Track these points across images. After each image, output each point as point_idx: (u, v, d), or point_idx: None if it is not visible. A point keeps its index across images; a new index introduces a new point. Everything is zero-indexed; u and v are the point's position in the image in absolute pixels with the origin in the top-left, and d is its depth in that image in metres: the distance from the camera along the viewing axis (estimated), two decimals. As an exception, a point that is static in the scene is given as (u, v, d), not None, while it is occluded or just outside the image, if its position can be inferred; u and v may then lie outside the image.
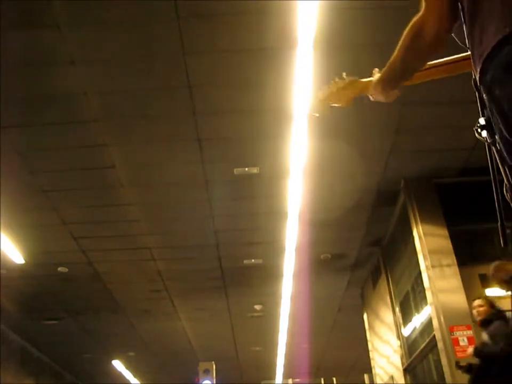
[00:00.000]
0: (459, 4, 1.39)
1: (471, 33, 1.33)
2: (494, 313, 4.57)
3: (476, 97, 1.39)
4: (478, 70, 1.28)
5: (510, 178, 1.27)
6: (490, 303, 4.70)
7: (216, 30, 4.50)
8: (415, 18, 1.47)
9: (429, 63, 1.63)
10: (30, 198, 6.57)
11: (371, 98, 1.83)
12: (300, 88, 5.03)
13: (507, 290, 4.49)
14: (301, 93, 5.08)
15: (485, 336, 4.67)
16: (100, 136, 5.59)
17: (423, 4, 1.45)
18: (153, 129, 5.60)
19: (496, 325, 4.48)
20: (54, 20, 4.27)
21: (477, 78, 1.31)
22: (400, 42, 1.53)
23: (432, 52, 1.51)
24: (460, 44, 1.50)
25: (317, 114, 1.95)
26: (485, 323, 4.68)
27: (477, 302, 4.80)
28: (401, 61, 1.55)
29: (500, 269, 4.51)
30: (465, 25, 1.36)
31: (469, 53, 1.38)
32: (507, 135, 1.21)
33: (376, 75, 1.75)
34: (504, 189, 1.30)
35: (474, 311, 4.80)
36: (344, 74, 1.89)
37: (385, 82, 1.68)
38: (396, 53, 1.56)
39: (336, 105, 1.93)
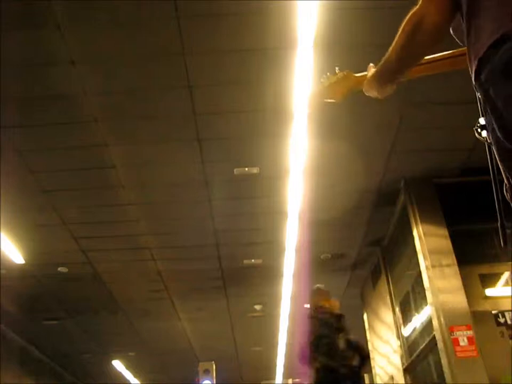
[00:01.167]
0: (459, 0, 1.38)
1: (468, 32, 1.33)
2: None
3: (476, 97, 1.39)
4: (474, 69, 1.28)
5: (510, 178, 1.26)
6: None
7: (216, 30, 4.50)
8: (413, 10, 1.44)
9: (425, 57, 1.61)
10: (30, 198, 6.56)
11: (365, 93, 1.79)
12: (300, 88, 5.03)
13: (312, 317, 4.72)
14: (301, 93, 5.08)
15: None
16: (100, 136, 5.59)
17: None
18: (153, 129, 5.60)
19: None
20: (54, 20, 4.27)
21: (472, 77, 1.31)
22: (397, 35, 1.50)
23: (430, 44, 1.48)
24: (459, 42, 1.49)
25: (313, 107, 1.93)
26: None
27: None
28: (397, 54, 1.52)
29: (317, 294, 4.78)
30: (463, 23, 1.36)
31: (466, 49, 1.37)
32: (500, 135, 1.21)
33: (371, 70, 1.73)
34: (504, 189, 1.30)
35: None
36: (337, 68, 1.86)
37: (380, 77, 1.65)
38: (392, 46, 1.53)
39: (330, 100, 1.89)
